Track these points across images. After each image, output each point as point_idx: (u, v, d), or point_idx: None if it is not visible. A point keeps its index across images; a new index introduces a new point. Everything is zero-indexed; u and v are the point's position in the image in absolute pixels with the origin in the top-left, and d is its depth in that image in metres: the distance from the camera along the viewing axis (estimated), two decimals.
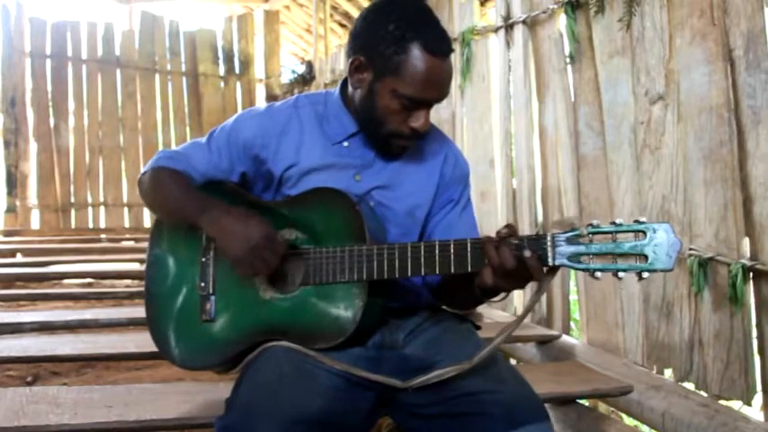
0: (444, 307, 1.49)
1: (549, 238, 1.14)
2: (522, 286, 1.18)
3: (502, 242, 1.16)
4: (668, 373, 2.18)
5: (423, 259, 1.22)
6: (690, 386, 2.08)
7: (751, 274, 1.87)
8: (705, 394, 2.01)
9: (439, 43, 1.29)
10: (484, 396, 1.20)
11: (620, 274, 1.11)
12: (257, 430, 1.11)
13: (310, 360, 1.25)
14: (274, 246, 1.28)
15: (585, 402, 2.07)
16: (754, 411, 2.02)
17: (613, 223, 1.11)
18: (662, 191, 2.17)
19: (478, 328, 1.48)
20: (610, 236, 1.11)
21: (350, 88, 1.40)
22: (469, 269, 1.19)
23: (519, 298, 3.05)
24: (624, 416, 2.39)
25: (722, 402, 1.94)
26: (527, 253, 1.13)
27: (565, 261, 1.13)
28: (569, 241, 1.13)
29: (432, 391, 1.24)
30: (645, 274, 1.10)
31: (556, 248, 1.14)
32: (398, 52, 1.28)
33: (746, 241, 1.91)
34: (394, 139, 1.36)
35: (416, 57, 1.27)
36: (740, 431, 1.75)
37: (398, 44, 1.28)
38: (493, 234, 1.19)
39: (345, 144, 1.41)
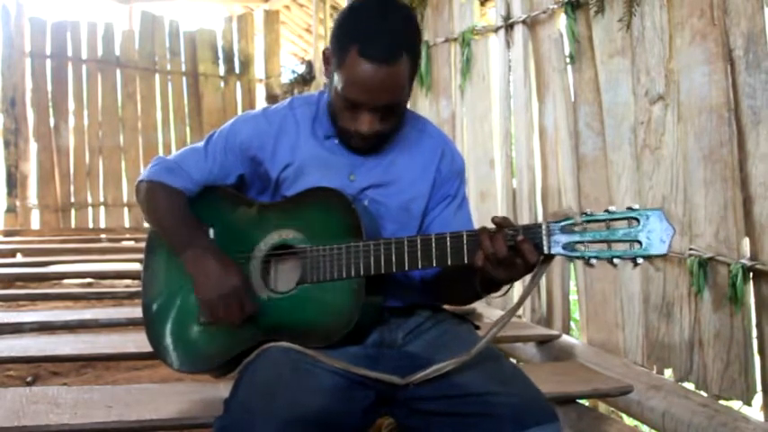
0: (444, 304, 1.49)
1: (544, 227, 1.15)
2: (518, 276, 1.18)
3: (497, 232, 1.16)
4: (668, 373, 2.18)
5: (419, 252, 1.23)
6: (690, 386, 2.08)
7: (751, 274, 1.87)
8: (705, 394, 2.01)
9: (375, 49, 1.25)
10: (490, 397, 1.20)
11: (616, 260, 1.12)
12: (256, 430, 1.11)
13: (309, 359, 1.25)
14: (241, 302, 1.31)
15: (585, 402, 2.07)
16: (754, 411, 2.02)
17: (607, 211, 1.13)
18: (662, 191, 2.17)
19: (478, 327, 1.48)
20: (604, 223, 1.12)
21: None
22: (465, 260, 1.20)
23: (518, 298, 3.05)
24: (624, 416, 2.39)
25: (722, 402, 1.94)
26: (519, 237, 1.14)
27: (560, 249, 1.14)
28: (564, 230, 1.14)
29: (434, 387, 1.24)
30: (639, 260, 1.11)
31: (551, 237, 1.15)
32: (342, 50, 1.28)
33: (746, 241, 1.91)
34: (345, 137, 1.36)
35: (352, 57, 1.26)
36: (740, 431, 1.75)
37: (343, 43, 1.29)
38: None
39: (336, 141, 1.41)
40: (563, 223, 1.14)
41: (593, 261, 1.12)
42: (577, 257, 1.13)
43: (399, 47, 1.27)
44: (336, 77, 1.30)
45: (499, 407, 1.18)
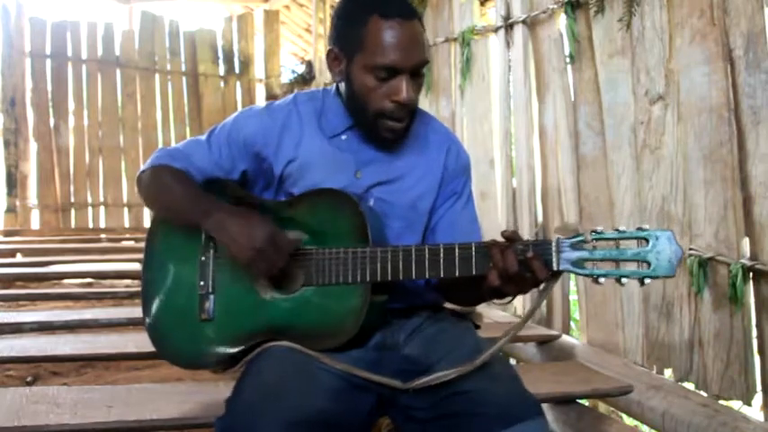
0: (448, 303, 1.49)
1: (553, 244, 1.16)
2: (526, 290, 1.19)
3: (507, 247, 1.16)
4: (668, 373, 2.18)
5: (427, 262, 1.23)
6: (690, 386, 2.08)
7: (751, 274, 1.87)
8: (705, 394, 2.01)
9: (395, 6, 1.30)
10: (476, 395, 1.20)
11: (623, 280, 1.13)
12: (259, 429, 1.11)
13: (312, 360, 1.25)
14: (279, 245, 1.28)
15: (585, 402, 2.07)
16: (754, 411, 2.02)
17: (617, 230, 1.13)
18: (662, 191, 2.17)
19: (478, 327, 1.48)
20: (613, 242, 1.13)
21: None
22: (474, 272, 1.20)
23: (519, 299, 3.05)
24: (624, 416, 2.39)
25: (722, 402, 1.94)
26: (530, 253, 1.14)
27: (569, 266, 1.15)
28: (573, 247, 1.15)
29: (430, 393, 1.24)
30: (647, 281, 1.12)
31: (560, 254, 1.15)
32: (359, 27, 1.30)
33: (746, 241, 1.91)
34: (381, 121, 1.34)
35: (375, 25, 1.29)
36: (740, 431, 1.75)
37: (358, 21, 1.31)
38: (494, 235, 1.20)
39: (344, 137, 1.41)
40: (572, 240, 1.15)
41: (602, 280, 1.13)
42: (586, 275, 1.14)
43: (414, 8, 1.34)
44: (360, 58, 1.31)
45: (485, 405, 1.18)
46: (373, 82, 1.31)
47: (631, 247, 1.13)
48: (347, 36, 1.33)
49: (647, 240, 1.12)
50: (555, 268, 1.15)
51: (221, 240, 1.32)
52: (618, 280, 1.13)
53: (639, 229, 1.12)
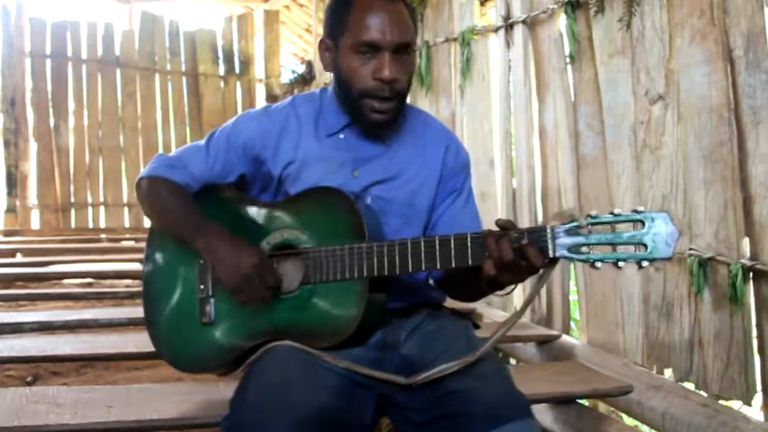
0: (450, 298, 1.50)
1: (548, 231, 1.15)
2: (523, 278, 1.19)
3: (502, 235, 1.16)
4: (668, 373, 2.18)
5: (423, 254, 1.23)
6: (690, 386, 2.08)
7: (751, 274, 1.87)
8: (705, 394, 2.01)
9: None
10: (466, 395, 1.20)
11: (620, 263, 1.12)
12: (267, 428, 1.11)
13: (315, 359, 1.26)
14: (264, 276, 1.30)
15: (585, 402, 2.07)
16: (754, 411, 2.02)
17: (612, 213, 1.13)
18: (662, 191, 2.17)
19: (478, 327, 1.48)
20: (609, 226, 1.12)
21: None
22: (470, 262, 1.20)
23: (519, 298, 3.05)
24: (624, 416, 2.39)
25: (722, 402, 1.94)
26: (524, 240, 1.14)
27: (565, 252, 1.14)
28: (569, 233, 1.14)
29: (427, 391, 1.24)
30: (644, 263, 1.11)
31: (556, 240, 1.15)
32: (344, 12, 1.33)
33: (746, 241, 1.91)
34: (366, 101, 1.34)
35: (358, 6, 1.32)
36: (740, 431, 1.75)
37: (344, 6, 1.34)
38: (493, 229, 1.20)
39: (341, 136, 1.41)
40: (567, 226, 1.14)
41: (598, 264, 1.12)
42: (582, 260, 1.13)
43: None
44: (345, 39, 1.33)
45: (473, 405, 1.18)
46: (357, 62, 1.33)
47: (628, 230, 1.11)
48: (335, 23, 1.36)
49: (643, 223, 1.11)
50: (551, 255, 1.15)
51: (210, 262, 1.35)
52: (615, 264, 1.12)
53: (635, 211, 1.11)
